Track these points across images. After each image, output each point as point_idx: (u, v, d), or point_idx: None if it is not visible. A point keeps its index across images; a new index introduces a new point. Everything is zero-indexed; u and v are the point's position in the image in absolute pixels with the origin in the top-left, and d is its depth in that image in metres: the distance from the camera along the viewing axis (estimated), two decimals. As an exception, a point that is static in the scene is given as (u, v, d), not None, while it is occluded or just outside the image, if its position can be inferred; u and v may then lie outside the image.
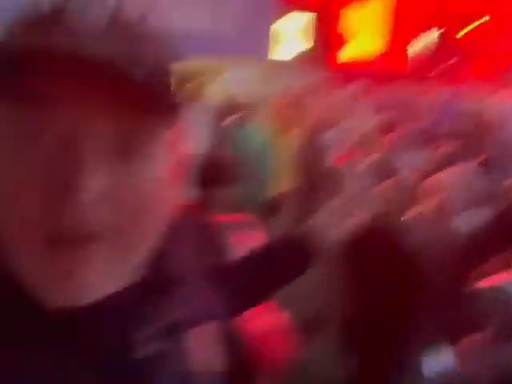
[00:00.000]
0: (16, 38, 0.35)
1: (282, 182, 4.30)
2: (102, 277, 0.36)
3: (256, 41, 6.52)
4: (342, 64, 14.82)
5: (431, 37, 15.59)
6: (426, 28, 16.06)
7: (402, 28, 17.18)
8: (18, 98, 0.34)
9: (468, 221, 1.87)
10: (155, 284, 0.42)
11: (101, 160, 0.34)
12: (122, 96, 0.33)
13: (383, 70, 15.96)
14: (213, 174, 1.93)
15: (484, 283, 1.45)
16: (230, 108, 5.00)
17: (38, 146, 0.34)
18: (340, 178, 2.57)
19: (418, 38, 16.42)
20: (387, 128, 4.57)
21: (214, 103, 4.92)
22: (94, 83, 0.32)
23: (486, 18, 13.68)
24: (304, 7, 12.61)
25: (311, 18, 13.04)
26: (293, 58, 12.34)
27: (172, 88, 0.36)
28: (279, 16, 7.26)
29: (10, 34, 0.35)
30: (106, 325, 0.39)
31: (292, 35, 12.62)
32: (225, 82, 7.33)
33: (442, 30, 14.90)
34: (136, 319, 0.41)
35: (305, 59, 12.40)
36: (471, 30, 14.72)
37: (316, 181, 3.52)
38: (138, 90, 0.33)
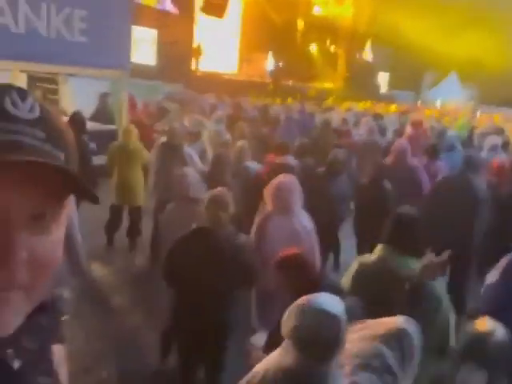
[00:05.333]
0: None
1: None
2: (16, 316, 0.46)
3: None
4: (201, 75, 14.95)
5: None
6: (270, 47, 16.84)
7: (251, 44, 17.69)
8: None
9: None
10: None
11: (25, 230, 0.45)
12: (44, 179, 0.43)
13: (242, 81, 16.35)
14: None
15: None
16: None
17: None
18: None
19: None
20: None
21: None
22: (24, 168, 0.41)
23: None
24: (145, 23, 12.44)
25: (154, 34, 12.94)
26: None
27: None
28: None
29: None
30: None
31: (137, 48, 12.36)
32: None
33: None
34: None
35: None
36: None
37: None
38: (56, 175, 0.43)
